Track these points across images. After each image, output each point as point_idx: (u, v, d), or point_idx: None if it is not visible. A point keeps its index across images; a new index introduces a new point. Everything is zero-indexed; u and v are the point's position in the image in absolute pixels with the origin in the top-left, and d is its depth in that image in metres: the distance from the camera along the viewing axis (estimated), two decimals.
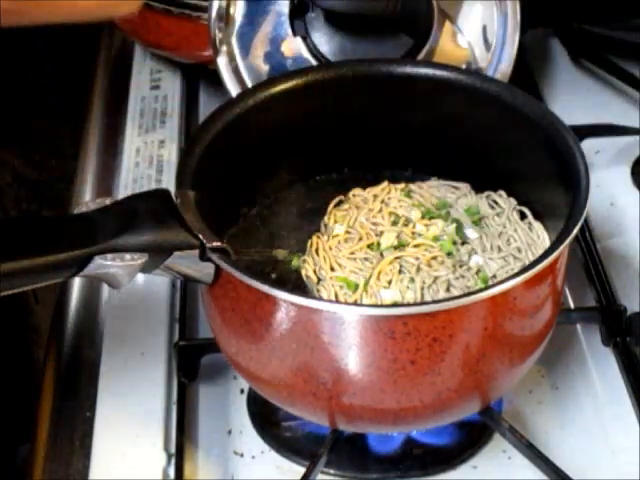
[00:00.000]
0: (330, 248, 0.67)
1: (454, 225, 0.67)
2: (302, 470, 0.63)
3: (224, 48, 0.80)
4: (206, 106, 0.94)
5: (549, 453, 0.63)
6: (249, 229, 0.70)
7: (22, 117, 1.74)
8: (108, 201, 0.58)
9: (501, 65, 0.81)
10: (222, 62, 0.80)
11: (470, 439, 0.67)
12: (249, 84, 0.80)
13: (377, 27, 0.79)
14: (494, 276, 0.65)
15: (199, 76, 0.97)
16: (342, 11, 0.79)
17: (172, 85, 0.98)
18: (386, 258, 0.65)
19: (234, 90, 0.79)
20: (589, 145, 0.83)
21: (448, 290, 0.63)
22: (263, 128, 0.68)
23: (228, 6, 0.80)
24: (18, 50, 1.65)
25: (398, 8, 0.77)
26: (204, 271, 0.58)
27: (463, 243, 0.67)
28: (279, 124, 0.69)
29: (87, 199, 0.86)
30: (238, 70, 0.80)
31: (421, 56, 0.80)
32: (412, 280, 0.63)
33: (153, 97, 0.96)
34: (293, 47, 0.80)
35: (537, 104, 0.68)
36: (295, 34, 0.80)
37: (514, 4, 0.81)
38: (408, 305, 0.60)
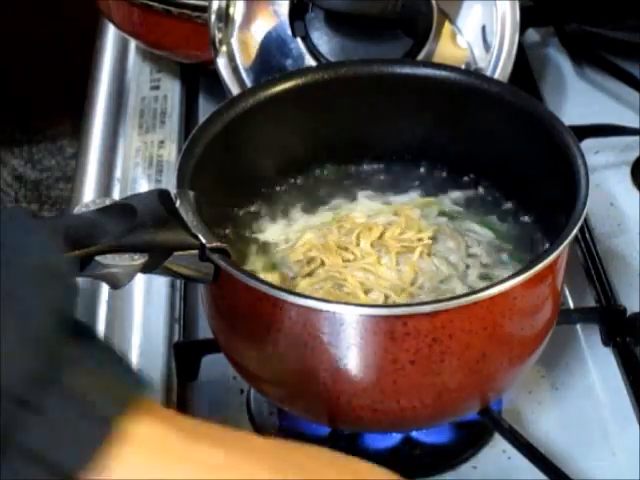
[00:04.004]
0: None
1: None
2: None
3: (224, 48, 0.80)
4: (206, 106, 0.94)
5: (549, 453, 0.63)
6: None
7: (22, 117, 1.74)
8: (108, 201, 0.57)
9: (501, 65, 0.81)
10: (222, 62, 0.80)
11: (470, 439, 0.67)
12: (249, 84, 0.80)
13: (377, 27, 0.79)
14: None
15: (199, 76, 0.97)
16: (342, 11, 0.79)
17: (172, 85, 0.98)
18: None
19: (234, 90, 0.79)
20: (589, 145, 0.83)
21: None
22: (263, 128, 0.68)
23: (228, 6, 0.80)
24: (17, 49, 1.65)
25: (398, 8, 0.77)
26: (204, 271, 0.58)
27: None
28: (279, 124, 0.69)
29: (87, 199, 0.86)
30: (238, 70, 0.80)
31: (421, 56, 0.80)
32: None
33: (153, 97, 0.96)
34: (293, 47, 0.80)
35: (537, 104, 0.68)
36: (295, 34, 0.80)
37: (513, 4, 0.81)
38: (408, 305, 0.60)
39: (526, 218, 0.69)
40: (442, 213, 0.69)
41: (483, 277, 0.65)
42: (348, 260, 0.64)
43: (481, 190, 0.71)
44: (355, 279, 0.63)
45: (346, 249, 0.65)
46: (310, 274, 0.64)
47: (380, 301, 0.62)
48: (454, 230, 0.67)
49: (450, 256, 0.65)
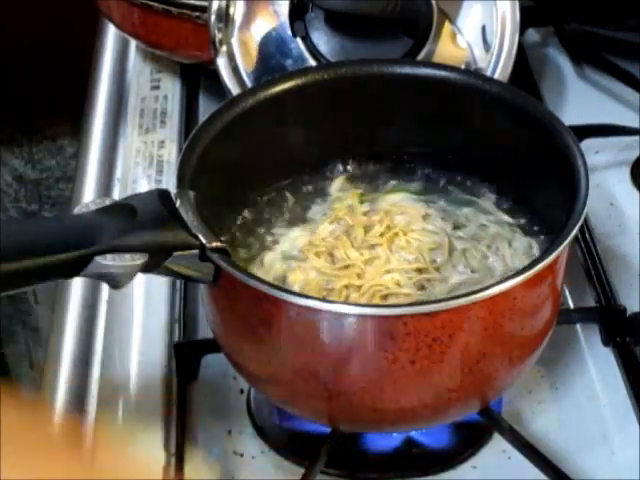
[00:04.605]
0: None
1: None
2: (302, 470, 0.63)
3: (224, 48, 0.80)
4: (206, 106, 0.94)
5: (549, 453, 0.63)
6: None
7: (22, 117, 1.74)
8: (108, 201, 0.58)
9: (501, 65, 0.81)
10: (222, 62, 0.80)
11: (470, 439, 0.67)
12: (249, 84, 0.80)
13: (377, 27, 0.79)
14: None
15: (199, 76, 0.97)
16: (342, 11, 0.79)
17: (172, 85, 0.98)
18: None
19: (234, 90, 0.79)
20: (589, 145, 0.83)
21: None
22: (263, 128, 0.68)
23: (228, 6, 0.80)
24: (18, 49, 1.65)
25: (398, 8, 0.77)
26: (204, 271, 0.58)
27: None
28: (279, 124, 0.69)
29: (87, 199, 0.86)
30: (238, 70, 0.80)
31: (421, 56, 0.80)
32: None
33: (153, 97, 0.96)
34: (293, 47, 0.80)
35: (537, 104, 0.68)
36: (295, 34, 0.80)
37: (513, 4, 0.81)
38: (408, 305, 0.60)
39: (526, 218, 0.69)
40: (361, 201, 0.69)
41: (457, 227, 0.67)
42: (358, 275, 0.64)
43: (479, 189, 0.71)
44: (392, 281, 0.63)
45: (349, 266, 0.65)
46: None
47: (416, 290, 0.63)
48: (393, 205, 0.68)
49: (415, 226, 0.66)
